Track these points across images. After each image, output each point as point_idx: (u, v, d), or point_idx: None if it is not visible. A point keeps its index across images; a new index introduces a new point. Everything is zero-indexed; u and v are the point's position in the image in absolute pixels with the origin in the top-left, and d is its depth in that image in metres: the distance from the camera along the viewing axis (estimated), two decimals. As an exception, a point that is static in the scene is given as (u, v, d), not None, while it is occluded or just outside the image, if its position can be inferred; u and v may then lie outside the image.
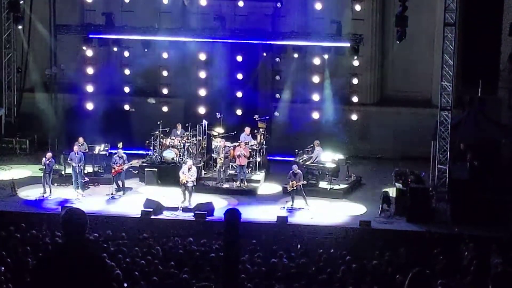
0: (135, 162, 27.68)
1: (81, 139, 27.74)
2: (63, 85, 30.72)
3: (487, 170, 25.51)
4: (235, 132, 28.60)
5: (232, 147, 27.68)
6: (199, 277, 17.46)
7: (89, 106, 31.22)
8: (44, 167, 26.22)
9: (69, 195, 26.45)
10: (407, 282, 7.15)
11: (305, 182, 26.09)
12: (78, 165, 26.28)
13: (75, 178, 26.44)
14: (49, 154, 26.58)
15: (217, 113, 29.16)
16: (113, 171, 26.60)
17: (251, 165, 28.16)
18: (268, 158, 29.39)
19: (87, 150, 27.70)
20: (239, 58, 30.46)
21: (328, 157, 27.80)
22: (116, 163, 26.52)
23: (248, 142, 28.07)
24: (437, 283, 16.13)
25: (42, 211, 24.90)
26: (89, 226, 7.60)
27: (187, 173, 25.79)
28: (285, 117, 31.17)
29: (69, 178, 26.94)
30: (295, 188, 25.74)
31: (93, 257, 7.45)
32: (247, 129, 28.59)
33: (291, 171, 26.00)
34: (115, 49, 30.50)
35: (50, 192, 26.31)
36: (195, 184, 25.94)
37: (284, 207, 25.76)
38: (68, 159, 26.73)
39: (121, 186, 26.75)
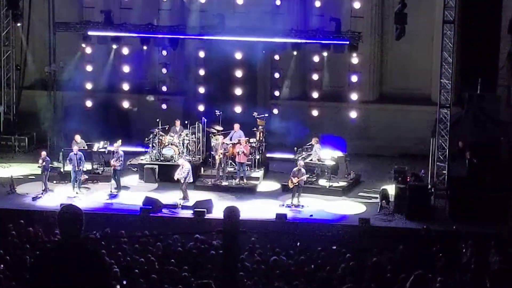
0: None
1: (77, 137, 27.62)
2: (62, 82, 30.69)
3: (486, 167, 25.50)
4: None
5: (231, 144, 27.64)
6: (198, 274, 17.45)
7: (88, 103, 31.20)
8: (41, 167, 26.16)
9: (68, 193, 26.42)
10: (408, 284, 7.18)
11: (306, 179, 26.07)
12: (78, 166, 26.22)
13: (74, 177, 26.40)
14: (43, 153, 26.54)
15: (216, 111, 29.13)
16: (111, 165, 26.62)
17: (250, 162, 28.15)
18: (267, 155, 29.37)
19: (85, 148, 27.66)
20: (238, 56, 30.44)
21: (327, 154, 27.78)
22: (113, 158, 26.56)
23: (240, 138, 27.85)
24: (437, 281, 16.15)
25: (41, 208, 24.86)
26: (88, 224, 7.58)
27: (180, 171, 25.89)
28: (284, 114, 31.12)
29: (68, 176, 26.90)
30: (297, 184, 25.72)
31: (90, 254, 7.44)
32: (236, 126, 28.19)
33: (296, 168, 25.97)
34: (114, 46, 30.43)
35: (47, 189, 26.23)
36: (186, 180, 25.91)
37: (283, 205, 25.76)
38: (68, 159, 26.65)
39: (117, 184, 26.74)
